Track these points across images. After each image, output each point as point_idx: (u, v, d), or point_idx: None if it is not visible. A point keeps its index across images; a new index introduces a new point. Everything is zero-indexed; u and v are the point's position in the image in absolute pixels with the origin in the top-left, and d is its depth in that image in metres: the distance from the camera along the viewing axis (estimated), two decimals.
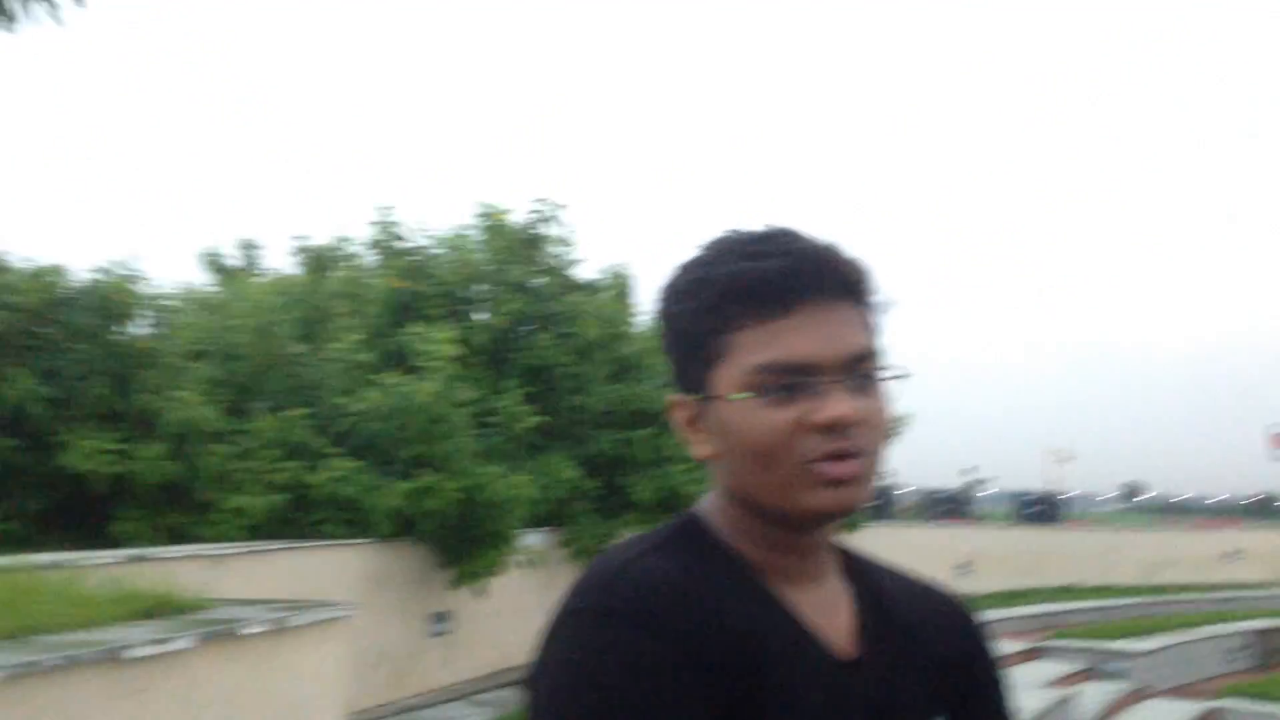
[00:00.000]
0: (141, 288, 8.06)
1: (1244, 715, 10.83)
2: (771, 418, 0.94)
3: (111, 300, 7.58)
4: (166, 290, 9.77)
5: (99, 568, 4.53)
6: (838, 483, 0.93)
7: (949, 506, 24.88)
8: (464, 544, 8.23)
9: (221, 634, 3.49)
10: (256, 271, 12.50)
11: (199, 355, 8.81)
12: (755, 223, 1.02)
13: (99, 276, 7.74)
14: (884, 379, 0.97)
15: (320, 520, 7.63)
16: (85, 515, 7.34)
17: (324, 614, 4.16)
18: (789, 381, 0.94)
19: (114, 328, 7.66)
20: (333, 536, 7.51)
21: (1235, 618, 15.13)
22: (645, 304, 12.45)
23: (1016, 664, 11.87)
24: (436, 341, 8.56)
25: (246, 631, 3.61)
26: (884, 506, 21.04)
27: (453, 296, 10.63)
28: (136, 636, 3.20)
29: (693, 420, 1.00)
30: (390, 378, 8.21)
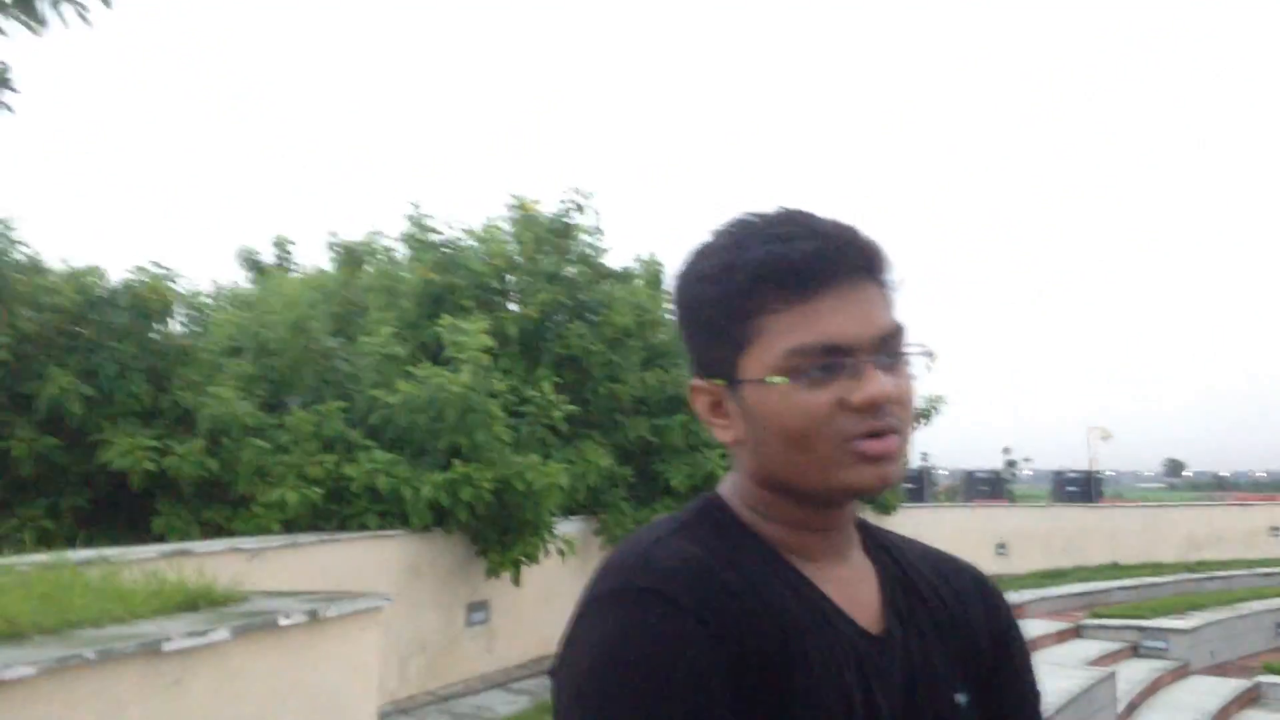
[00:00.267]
0: (177, 286, 8.17)
1: None
2: (810, 400, 0.95)
3: (148, 299, 7.69)
4: (202, 288, 9.93)
5: (138, 563, 4.63)
6: (877, 459, 0.95)
7: (987, 487, 24.69)
8: (499, 533, 8.30)
9: (258, 625, 3.56)
10: (291, 268, 12.65)
11: (235, 351, 8.95)
12: (769, 206, 1.02)
13: (135, 276, 7.86)
14: (911, 356, 0.99)
15: (357, 512, 7.72)
16: (126, 512, 7.48)
17: (360, 604, 4.22)
18: (825, 363, 0.95)
19: (151, 326, 7.78)
20: (369, 528, 7.60)
21: (1278, 594, 14.93)
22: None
23: (1056, 643, 11.81)
24: (469, 333, 8.62)
25: (283, 623, 3.68)
26: (922, 487, 20.92)
27: (485, 288, 10.69)
28: (174, 629, 3.27)
29: (716, 405, 1.01)
30: (424, 370, 8.28)
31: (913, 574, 1.09)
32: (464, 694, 7.67)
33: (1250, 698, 10.64)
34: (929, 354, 1.00)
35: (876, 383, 0.94)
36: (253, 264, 12.58)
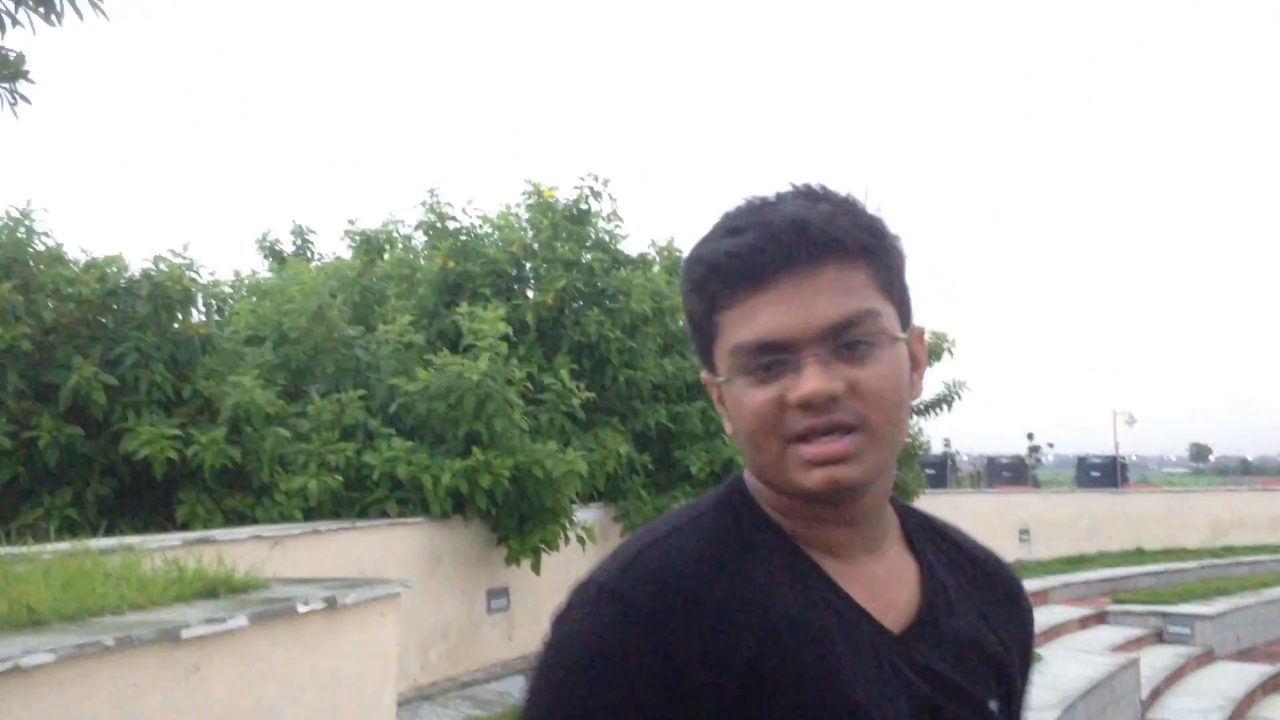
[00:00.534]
0: (197, 276, 8.21)
1: None
2: (754, 398, 0.93)
3: (168, 289, 7.73)
4: (222, 278, 9.99)
5: (160, 551, 4.66)
6: (824, 462, 0.90)
7: (1010, 473, 24.58)
8: (519, 521, 8.33)
9: (277, 612, 3.58)
10: (310, 257, 12.71)
11: (255, 340, 9.00)
12: (766, 190, 0.98)
13: (155, 266, 7.91)
14: (887, 341, 0.92)
15: (377, 500, 7.76)
16: (149, 500, 7.54)
17: (378, 591, 4.24)
18: (766, 360, 0.92)
19: (172, 316, 7.82)
20: (389, 516, 7.64)
21: None
22: None
23: (1080, 630, 11.77)
24: (487, 321, 8.63)
25: (301, 610, 3.70)
26: (944, 474, 20.84)
27: (502, 275, 10.70)
28: (193, 616, 3.30)
29: (720, 398, 0.99)
30: (442, 358, 8.30)
31: (952, 571, 1.04)
32: (485, 680, 7.70)
33: (1275, 683, 10.58)
34: (895, 339, 0.94)
35: (811, 380, 0.89)
36: (272, 253, 12.65)
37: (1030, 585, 13.44)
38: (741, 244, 0.92)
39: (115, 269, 7.88)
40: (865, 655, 0.92)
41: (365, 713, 4.09)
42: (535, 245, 10.88)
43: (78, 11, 4.01)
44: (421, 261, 11.00)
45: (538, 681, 0.92)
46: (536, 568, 8.30)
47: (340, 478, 7.59)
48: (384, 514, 7.67)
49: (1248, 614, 12.57)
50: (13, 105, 4.09)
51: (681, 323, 11.98)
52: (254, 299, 10.20)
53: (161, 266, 7.87)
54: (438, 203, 11.22)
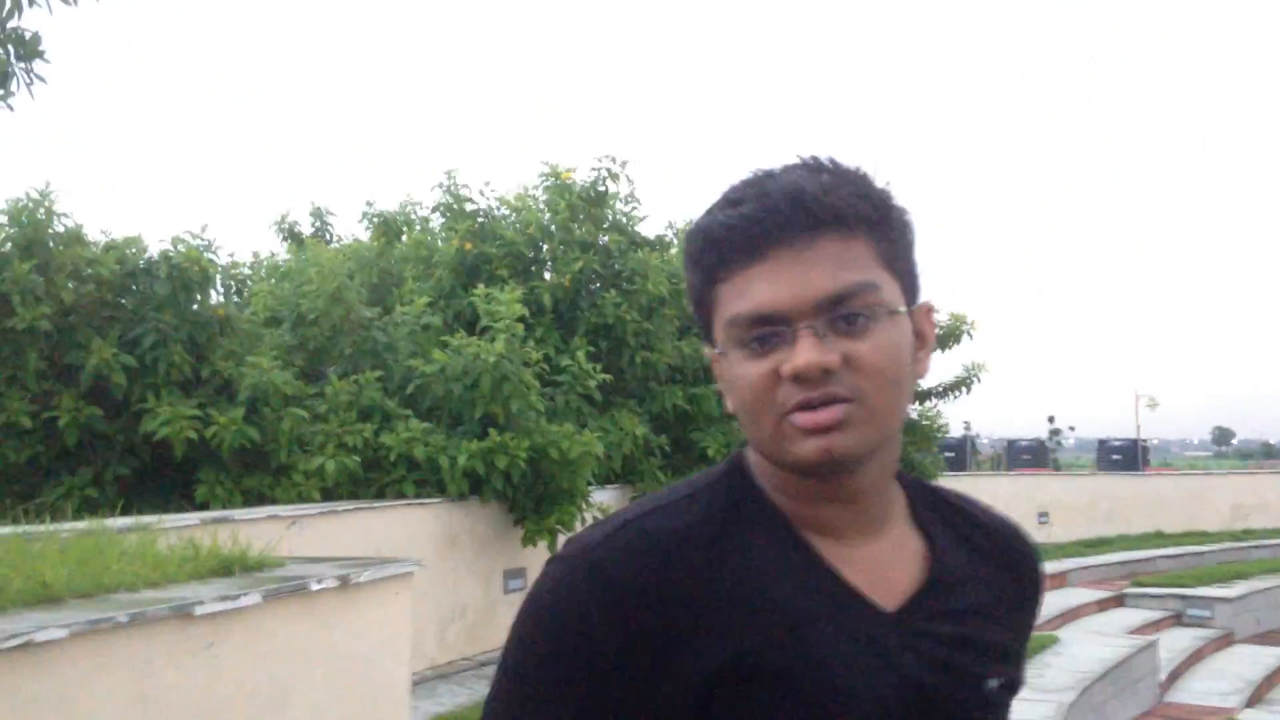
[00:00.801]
0: (216, 257, 8.25)
1: None
2: (749, 371, 0.92)
3: (187, 270, 7.76)
4: (240, 259, 10.03)
5: (178, 530, 4.71)
6: (819, 431, 0.89)
7: (1030, 455, 24.48)
8: (535, 502, 8.36)
9: (290, 590, 3.60)
10: (328, 239, 12.75)
11: (273, 322, 9.04)
12: (772, 162, 0.96)
13: (174, 247, 7.94)
14: (886, 314, 0.91)
15: (394, 481, 7.80)
16: (169, 480, 7.61)
17: (391, 569, 4.26)
18: (760, 333, 0.91)
19: (190, 297, 7.86)
20: (406, 497, 7.68)
21: None
22: None
23: (1098, 612, 11.72)
24: (504, 302, 8.64)
25: (315, 588, 3.72)
26: (963, 456, 20.78)
27: (519, 257, 10.70)
28: (206, 593, 3.32)
29: (722, 373, 0.98)
30: (459, 339, 8.32)
31: (961, 547, 1.02)
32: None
33: None
34: (895, 313, 0.92)
35: (804, 352, 0.88)
36: (291, 235, 12.69)
37: (1049, 568, 13.38)
38: (738, 215, 0.91)
39: (134, 250, 7.92)
40: (855, 638, 0.91)
41: (379, 691, 4.13)
42: (552, 227, 10.87)
43: None
44: (439, 243, 11.02)
45: (510, 640, 0.95)
46: (553, 549, 8.33)
47: (358, 458, 7.62)
48: (401, 495, 7.70)
49: (1267, 597, 12.48)
50: (29, 85, 4.11)
51: None
52: (272, 280, 10.25)
53: (180, 248, 7.91)
54: (455, 185, 11.23)
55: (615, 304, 10.41)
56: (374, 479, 7.81)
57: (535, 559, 8.49)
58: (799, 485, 0.95)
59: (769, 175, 0.94)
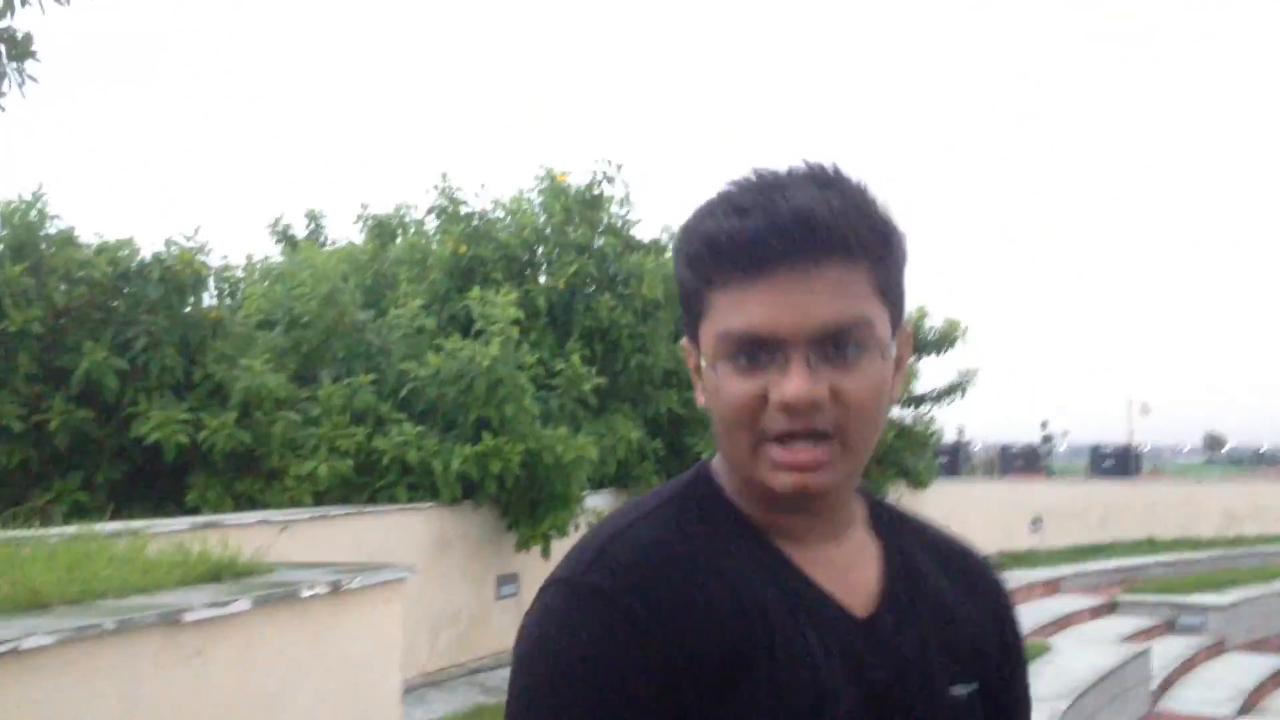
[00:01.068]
0: (208, 260, 8.22)
1: None
2: (735, 387, 0.90)
3: (179, 272, 7.73)
4: (233, 261, 9.99)
5: (168, 535, 4.67)
6: (797, 468, 0.89)
7: (1023, 461, 24.50)
8: (529, 506, 8.32)
9: (280, 596, 3.57)
10: (322, 241, 12.71)
11: (266, 324, 9.00)
12: (777, 165, 0.95)
13: (167, 249, 7.91)
14: (876, 348, 0.91)
15: (387, 485, 7.76)
16: (160, 484, 7.57)
17: (383, 575, 4.24)
18: (751, 352, 0.90)
19: (183, 299, 7.83)
20: (399, 501, 7.64)
21: None
22: None
23: (1091, 619, 11.72)
24: (498, 305, 8.61)
25: (305, 594, 3.69)
26: (956, 462, 20.78)
27: (514, 260, 10.68)
28: (196, 599, 3.29)
29: (697, 369, 0.98)
30: (453, 342, 8.29)
31: (918, 558, 1.03)
32: (494, 667, 7.72)
33: None
34: (884, 350, 0.92)
35: (796, 382, 0.87)
36: (284, 237, 12.64)
37: (1042, 574, 13.40)
38: (744, 228, 0.89)
39: (127, 252, 7.89)
40: (829, 641, 0.92)
41: (370, 698, 4.10)
42: (548, 230, 10.85)
43: None
44: (434, 246, 10.99)
45: (515, 689, 0.90)
46: (547, 554, 8.30)
47: (350, 462, 7.59)
48: (393, 499, 7.67)
49: (1260, 605, 12.50)
50: (20, 85, 4.08)
51: None
52: (265, 283, 10.21)
53: (173, 250, 7.88)
54: (450, 187, 11.19)
55: (610, 307, 10.39)
56: (367, 483, 7.77)
57: (529, 564, 8.46)
58: (765, 499, 0.95)
59: (777, 186, 0.92)
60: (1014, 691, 1.06)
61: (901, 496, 13.44)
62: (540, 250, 10.93)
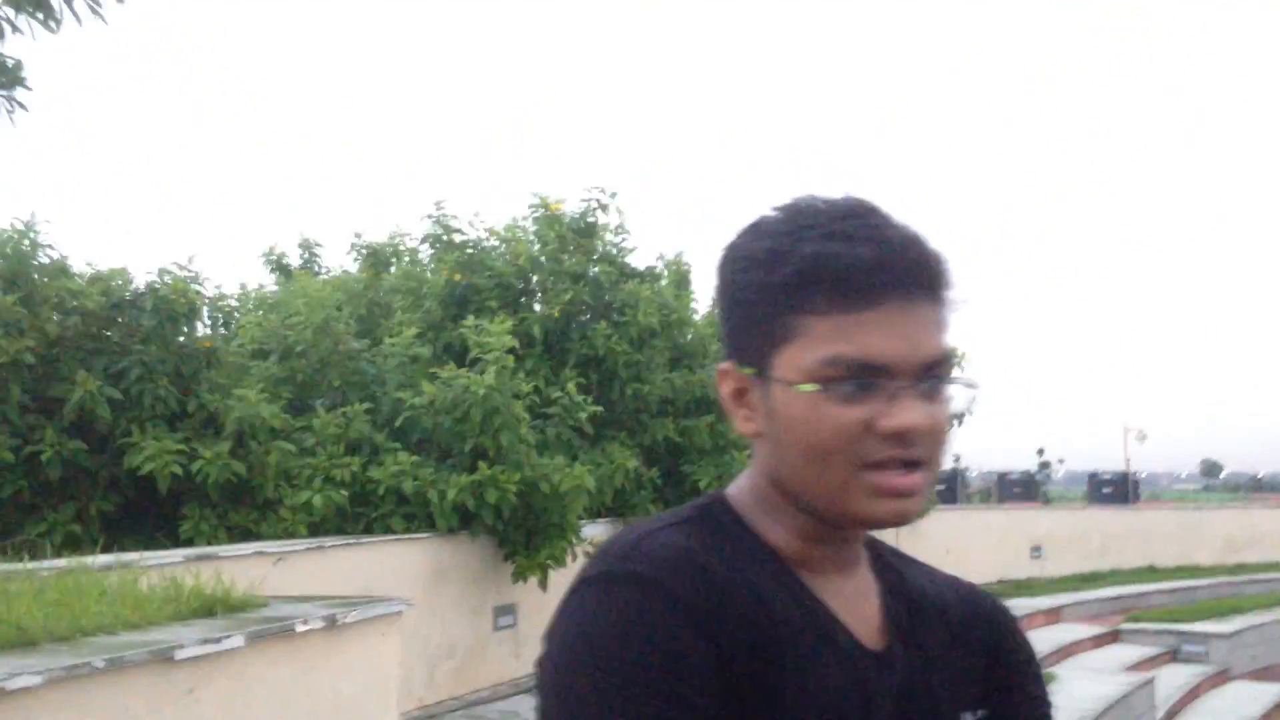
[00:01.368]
0: (203, 289, 8.17)
1: None
2: (837, 415, 0.89)
3: (173, 302, 7.68)
4: (227, 291, 9.94)
5: (161, 567, 4.58)
6: (896, 495, 0.89)
7: (1020, 488, 24.41)
8: (526, 536, 8.24)
9: (274, 632, 3.49)
10: (316, 270, 12.67)
11: (260, 354, 8.94)
12: (834, 194, 0.95)
13: (160, 279, 7.86)
14: (952, 386, 0.93)
15: (382, 515, 7.68)
16: (153, 516, 7.47)
17: (379, 609, 4.16)
18: (861, 380, 0.89)
19: (177, 329, 7.77)
20: (395, 531, 7.56)
21: None
22: (703, 290, 12.38)
23: (1094, 648, 11.63)
24: (493, 334, 8.56)
25: (300, 629, 3.61)
26: (954, 489, 20.69)
27: (508, 288, 10.64)
28: (188, 636, 3.21)
29: (741, 393, 0.96)
30: (448, 371, 8.23)
31: (918, 594, 1.04)
32: (491, 699, 7.61)
33: None
34: (972, 386, 0.94)
35: (911, 411, 0.88)
36: (279, 266, 12.60)
37: (1043, 603, 13.32)
38: (861, 254, 0.89)
39: (120, 282, 7.84)
40: (846, 671, 0.93)
41: None
42: (542, 258, 10.82)
43: (76, 16, 3.97)
44: (428, 274, 10.95)
45: (578, 696, 0.84)
46: (544, 584, 8.20)
47: (345, 493, 7.51)
48: (389, 530, 7.59)
49: (1263, 633, 12.41)
50: (10, 113, 4.04)
51: (690, 336, 11.95)
52: (260, 312, 10.15)
53: (166, 279, 7.83)
54: (444, 215, 11.17)
55: (605, 335, 10.34)
56: (362, 514, 7.70)
57: (526, 595, 8.36)
58: (808, 527, 0.95)
59: (871, 213, 0.93)
60: (1033, 714, 1.06)
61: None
62: (535, 279, 10.89)
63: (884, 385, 0.88)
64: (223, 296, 9.56)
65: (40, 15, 3.88)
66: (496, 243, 11.14)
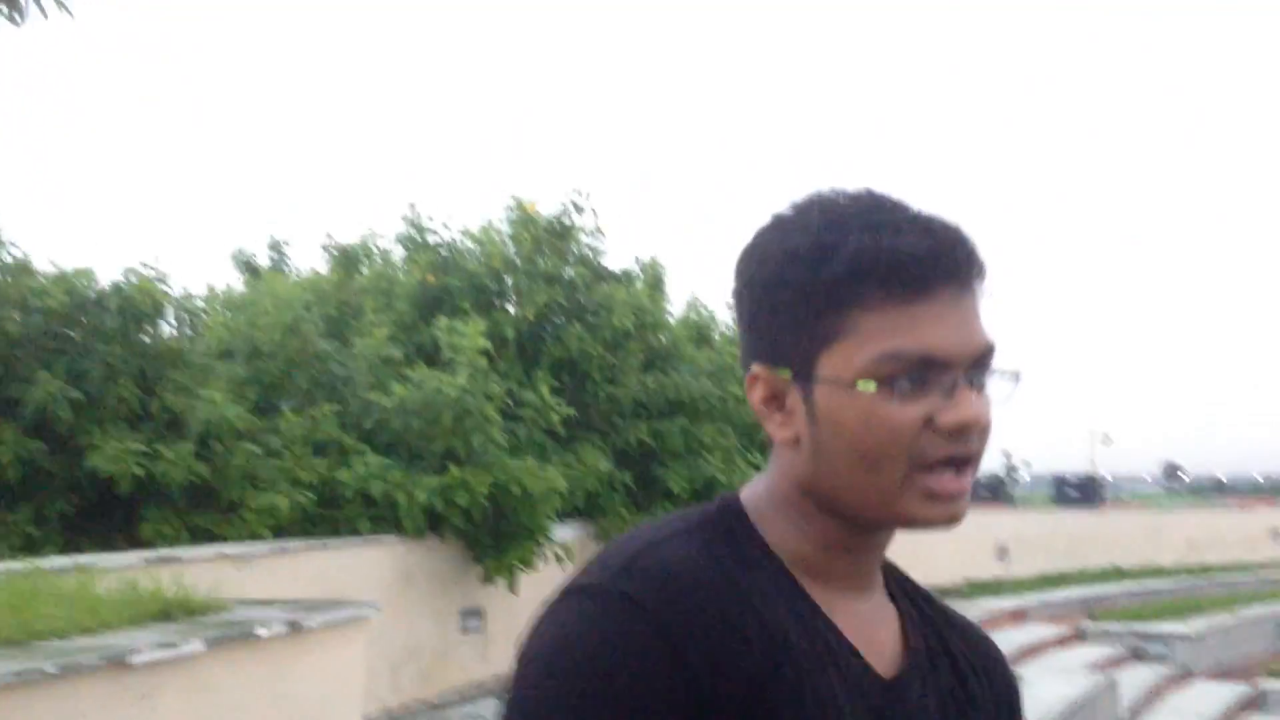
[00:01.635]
0: (168, 289, 8.07)
1: None
2: (896, 413, 0.85)
3: (137, 301, 7.58)
4: (194, 291, 9.83)
5: (120, 570, 4.51)
6: (950, 498, 0.87)
7: (988, 491, 24.59)
8: (495, 539, 8.20)
9: (235, 637, 3.44)
10: (285, 270, 12.55)
11: (226, 354, 8.84)
12: (857, 188, 0.91)
13: (125, 278, 7.76)
14: (996, 379, 0.90)
15: (349, 518, 7.62)
16: (114, 518, 7.37)
17: (344, 614, 4.11)
18: (919, 375, 0.85)
19: (141, 329, 7.67)
20: (361, 534, 7.49)
21: (1279, 597, 14.84)
22: (677, 293, 12.39)
23: (1058, 648, 11.71)
24: (466, 335, 8.51)
25: (262, 634, 3.56)
26: None
27: (482, 289, 10.59)
28: (145, 640, 3.16)
29: (775, 398, 0.91)
30: (419, 373, 8.18)
31: (938, 629, 1.01)
32: (458, 702, 7.56)
33: (1253, 702, 10.54)
34: (1016, 377, 0.90)
35: (970, 405, 0.85)
36: (246, 266, 12.48)
37: (1008, 604, 13.40)
38: (912, 245, 0.86)
39: (84, 281, 7.73)
40: (855, 696, 0.88)
41: None
42: (516, 260, 10.77)
43: (42, 10, 3.91)
44: (400, 275, 10.88)
45: (535, 697, 0.83)
46: (513, 587, 8.17)
47: (312, 495, 7.44)
48: (356, 532, 7.52)
49: (1224, 633, 12.56)
50: None
51: (664, 339, 11.92)
52: (227, 313, 10.05)
53: (131, 279, 7.73)
54: (417, 216, 11.11)
55: (579, 338, 10.31)
56: (328, 516, 7.62)
57: (493, 598, 8.32)
58: (831, 534, 0.91)
59: (905, 204, 0.90)
60: None
61: None
62: (509, 280, 10.84)
63: (941, 380, 0.85)
64: (189, 297, 9.45)
65: (4, 8, 3.81)
66: (470, 244, 11.09)
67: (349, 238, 12.11)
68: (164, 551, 5.91)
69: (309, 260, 13.72)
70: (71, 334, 7.55)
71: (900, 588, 1.01)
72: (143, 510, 7.20)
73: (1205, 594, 15.26)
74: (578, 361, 10.32)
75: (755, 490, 0.95)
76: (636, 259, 12.42)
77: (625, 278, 11.69)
